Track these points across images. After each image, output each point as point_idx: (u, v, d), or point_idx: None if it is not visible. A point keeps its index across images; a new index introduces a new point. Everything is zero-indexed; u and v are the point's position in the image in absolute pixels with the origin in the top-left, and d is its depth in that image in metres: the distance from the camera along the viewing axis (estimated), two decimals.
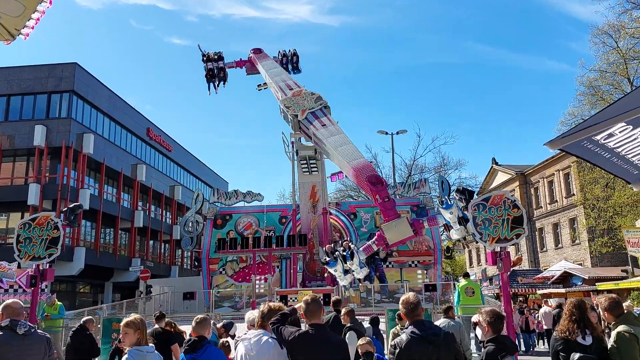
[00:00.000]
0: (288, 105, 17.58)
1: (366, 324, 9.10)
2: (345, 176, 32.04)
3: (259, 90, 23.55)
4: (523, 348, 17.09)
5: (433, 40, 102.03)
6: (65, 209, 12.70)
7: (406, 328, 4.05)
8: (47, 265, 11.52)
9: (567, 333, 4.35)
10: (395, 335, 6.87)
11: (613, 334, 4.42)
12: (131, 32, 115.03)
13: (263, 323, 4.22)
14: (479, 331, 4.56)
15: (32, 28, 4.26)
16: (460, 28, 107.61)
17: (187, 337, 5.70)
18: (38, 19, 4.17)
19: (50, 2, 3.99)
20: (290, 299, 17.01)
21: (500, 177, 47.16)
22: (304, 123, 17.14)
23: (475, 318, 4.21)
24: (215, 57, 23.76)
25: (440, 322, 8.38)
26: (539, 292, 27.79)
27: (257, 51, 23.10)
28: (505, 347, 4.16)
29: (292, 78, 19.73)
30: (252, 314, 5.36)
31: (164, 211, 44.83)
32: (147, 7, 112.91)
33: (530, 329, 17.50)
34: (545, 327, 17.29)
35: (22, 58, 64.17)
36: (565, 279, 26.93)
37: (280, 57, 24.34)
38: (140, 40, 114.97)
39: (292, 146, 20.59)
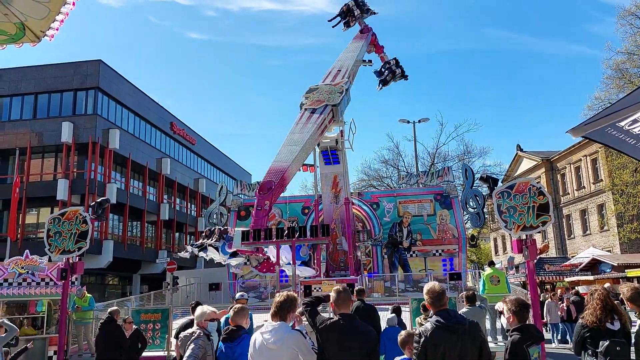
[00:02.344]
0: (312, 89, 18.33)
1: (389, 314, 9.12)
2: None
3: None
4: (559, 337, 16.63)
5: (452, 27, 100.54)
6: (93, 203, 12.98)
7: (431, 317, 4.05)
8: (77, 259, 11.81)
9: (598, 322, 4.32)
10: (420, 325, 6.88)
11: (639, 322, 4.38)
12: (151, 28, 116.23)
13: (281, 314, 4.14)
14: (504, 320, 4.54)
15: (57, 29, 4.35)
16: (479, 14, 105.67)
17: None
18: (62, 21, 4.25)
19: (74, 4, 4.07)
20: (315, 288, 17.08)
21: (526, 164, 46.39)
22: (304, 109, 17.87)
23: (499, 306, 4.20)
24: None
25: (464, 310, 8.35)
26: (567, 279, 27.38)
27: (364, 31, 23.20)
28: (531, 336, 4.13)
29: (347, 64, 19.96)
30: (202, 309, 5.43)
31: (188, 204, 45.45)
32: (166, 3, 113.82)
33: (572, 317, 16.04)
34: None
35: (48, 57, 65.46)
36: (594, 266, 26.48)
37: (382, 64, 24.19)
38: (160, 36, 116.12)
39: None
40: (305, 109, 17.82)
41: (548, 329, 16.80)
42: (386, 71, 23.53)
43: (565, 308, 16.51)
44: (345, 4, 23.12)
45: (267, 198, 14.28)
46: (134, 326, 10.07)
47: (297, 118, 17.41)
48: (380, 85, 23.79)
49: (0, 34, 4.40)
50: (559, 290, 17.60)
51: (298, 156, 15.82)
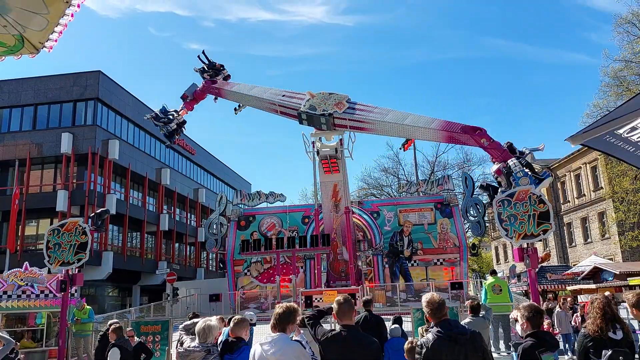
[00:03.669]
0: (317, 106, 18.53)
1: (391, 325, 9.05)
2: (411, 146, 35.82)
3: (237, 113, 22.94)
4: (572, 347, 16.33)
5: (449, 36, 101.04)
6: (93, 214, 12.96)
7: (432, 328, 4.01)
8: (76, 270, 11.77)
9: (600, 331, 4.28)
10: (423, 335, 6.82)
11: None
12: (150, 40, 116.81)
13: (281, 326, 4.10)
14: (518, 327, 4.49)
15: (56, 41, 4.36)
16: (475, 23, 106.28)
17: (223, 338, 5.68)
18: (61, 32, 4.26)
19: (72, 15, 4.08)
20: (315, 299, 17.00)
21: None
22: (342, 116, 18.22)
23: (514, 314, 4.18)
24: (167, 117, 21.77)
25: (466, 321, 8.30)
26: (569, 288, 27.26)
27: (212, 82, 22.00)
28: (545, 342, 4.07)
29: (278, 89, 20.54)
30: (194, 323, 5.08)
31: (188, 214, 45.38)
32: (165, 15, 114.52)
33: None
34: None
35: (48, 68, 65.75)
36: (596, 274, 26.37)
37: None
38: (159, 47, 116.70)
39: (313, 146, 20.57)
40: (307, 93, 19.33)
41: (559, 339, 16.60)
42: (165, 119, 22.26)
43: (580, 318, 16.19)
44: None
45: (484, 132, 14.78)
46: (136, 338, 9.97)
47: (362, 114, 18.16)
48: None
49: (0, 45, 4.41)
50: (568, 299, 17.34)
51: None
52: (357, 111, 18.21)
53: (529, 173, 14.19)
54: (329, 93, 18.95)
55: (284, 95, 19.62)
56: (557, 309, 15.92)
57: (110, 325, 8.48)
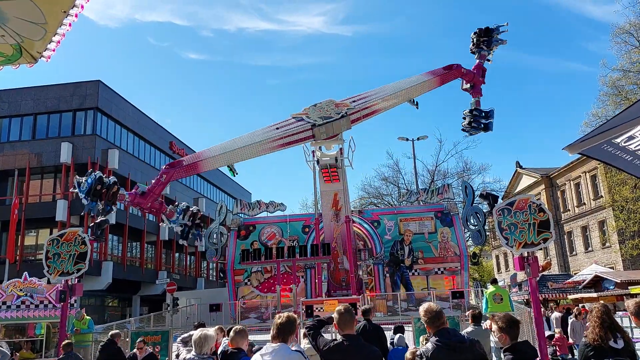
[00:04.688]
0: (317, 105, 18.48)
1: (392, 334, 9.01)
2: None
3: (236, 174, 22.02)
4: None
5: (447, 44, 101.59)
6: (92, 224, 12.94)
7: (431, 337, 4.00)
8: (76, 280, 11.72)
9: (600, 340, 4.26)
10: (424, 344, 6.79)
11: None
12: (149, 49, 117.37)
13: (282, 336, 4.04)
14: (494, 337, 4.46)
15: (54, 50, 4.38)
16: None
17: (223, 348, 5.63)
18: (59, 42, 4.28)
19: (70, 25, 4.10)
20: (316, 308, 16.92)
21: (525, 181, 46.39)
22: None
23: (486, 324, 4.10)
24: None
25: (468, 330, 8.26)
26: (570, 297, 27.16)
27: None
28: (524, 354, 4.04)
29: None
30: (196, 334, 4.76)
31: None
32: (164, 24, 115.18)
33: None
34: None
35: (47, 78, 66.02)
36: (597, 283, 26.29)
37: None
38: (159, 57, 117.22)
39: (313, 155, 20.59)
40: (293, 117, 18.07)
41: (575, 347, 16.57)
42: (467, 118, 22.09)
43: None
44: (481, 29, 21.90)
45: (166, 172, 14.81)
46: (148, 349, 9.86)
47: (278, 122, 17.69)
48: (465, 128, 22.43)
49: None
50: (582, 309, 17.26)
51: (232, 153, 16.22)
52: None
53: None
54: (314, 105, 18.76)
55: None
56: (572, 318, 15.89)
57: (64, 342, 8.44)
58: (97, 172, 16.33)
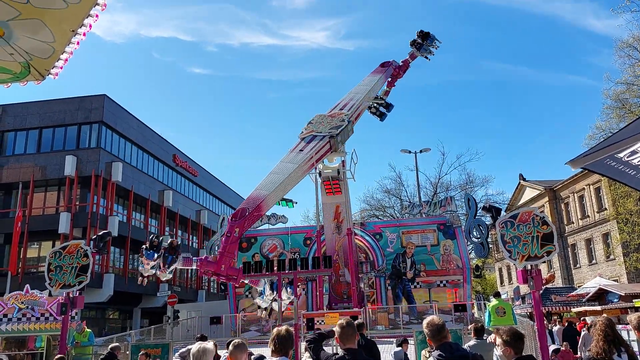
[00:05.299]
0: (312, 121, 18.50)
1: (395, 347, 8.95)
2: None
3: (294, 204, 23.86)
4: None
5: (450, 59, 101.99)
6: (95, 236, 12.90)
7: (433, 351, 3.97)
8: (77, 293, 11.69)
9: (604, 354, 4.23)
10: (426, 358, 6.73)
11: None
12: (154, 64, 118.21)
13: (284, 350, 4.03)
14: (498, 351, 4.40)
15: (61, 68, 4.43)
16: (475, 47, 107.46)
17: None
18: (67, 59, 4.33)
19: (78, 43, 4.15)
20: (317, 321, 16.82)
21: (529, 193, 46.27)
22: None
23: (492, 338, 4.06)
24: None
25: (470, 343, 8.20)
26: (574, 310, 26.93)
27: (386, 64, 23.80)
28: None
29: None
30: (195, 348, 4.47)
31: (190, 236, 45.27)
32: (169, 40, 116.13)
33: None
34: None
35: (53, 92, 66.43)
36: (601, 296, 26.05)
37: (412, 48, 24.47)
38: (163, 71, 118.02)
39: (315, 167, 20.64)
40: (303, 138, 17.97)
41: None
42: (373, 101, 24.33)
43: None
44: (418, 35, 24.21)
45: (238, 225, 13.85)
46: None
47: (292, 147, 17.54)
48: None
49: (6, 72, 4.48)
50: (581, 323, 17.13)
51: (280, 186, 15.62)
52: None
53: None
54: (309, 122, 19.15)
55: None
56: (584, 332, 15.79)
57: (57, 357, 8.38)
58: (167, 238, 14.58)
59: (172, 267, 12.68)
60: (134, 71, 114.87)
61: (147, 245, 12.93)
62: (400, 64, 24.26)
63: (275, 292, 12.65)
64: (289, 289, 13.46)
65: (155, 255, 12.62)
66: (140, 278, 13.42)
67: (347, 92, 21.38)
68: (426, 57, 24.42)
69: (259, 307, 15.93)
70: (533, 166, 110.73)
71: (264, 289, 13.28)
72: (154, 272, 12.97)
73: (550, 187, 43.17)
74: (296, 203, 20.92)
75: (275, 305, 12.81)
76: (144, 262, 12.89)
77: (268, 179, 15.94)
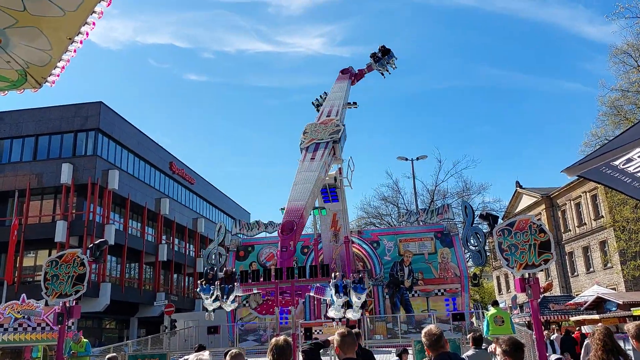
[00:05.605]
0: (306, 130, 18.37)
1: (394, 358, 8.91)
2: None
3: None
4: None
5: (445, 66, 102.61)
6: (91, 245, 12.81)
7: None
8: (74, 302, 11.60)
9: None
10: None
11: None
12: (150, 71, 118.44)
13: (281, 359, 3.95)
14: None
15: (58, 76, 4.43)
16: (470, 53, 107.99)
17: None
18: (63, 67, 4.34)
19: (75, 51, 4.16)
20: (315, 331, 16.75)
21: (526, 201, 46.35)
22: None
23: (492, 347, 4.05)
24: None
25: (469, 353, 8.16)
26: (572, 318, 26.88)
27: (346, 70, 24.39)
28: None
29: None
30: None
31: (187, 244, 45.12)
32: (165, 46, 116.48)
33: None
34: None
35: (49, 99, 66.45)
36: (599, 304, 26.02)
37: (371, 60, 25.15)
38: (159, 78, 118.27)
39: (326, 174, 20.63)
40: (306, 148, 17.94)
41: None
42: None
43: None
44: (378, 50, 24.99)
45: (290, 238, 13.93)
46: None
47: (301, 158, 17.52)
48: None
49: (3, 80, 4.48)
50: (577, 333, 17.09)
51: (312, 194, 15.84)
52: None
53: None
54: (303, 132, 19.17)
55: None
56: (587, 341, 15.77)
57: None
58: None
59: (231, 297, 12.57)
60: (130, 78, 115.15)
61: (203, 280, 12.85)
62: (357, 72, 24.97)
63: (342, 295, 11.90)
64: (357, 290, 12.17)
65: (211, 288, 12.54)
66: (207, 314, 13.33)
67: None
68: (382, 73, 24.95)
69: (339, 320, 14.71)
70: (530, 173, 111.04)
71: (332, 297, 12.50)
72: (217, 304, 12.93)
73: (547, 195, 43.26)
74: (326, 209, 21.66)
75: (350, 314, 12.03)
76: (203, 298, 12.90)
77: (298, 189, 16.03)
